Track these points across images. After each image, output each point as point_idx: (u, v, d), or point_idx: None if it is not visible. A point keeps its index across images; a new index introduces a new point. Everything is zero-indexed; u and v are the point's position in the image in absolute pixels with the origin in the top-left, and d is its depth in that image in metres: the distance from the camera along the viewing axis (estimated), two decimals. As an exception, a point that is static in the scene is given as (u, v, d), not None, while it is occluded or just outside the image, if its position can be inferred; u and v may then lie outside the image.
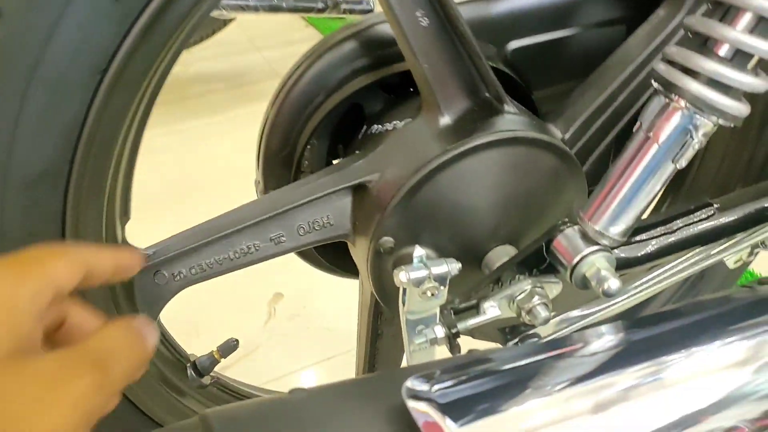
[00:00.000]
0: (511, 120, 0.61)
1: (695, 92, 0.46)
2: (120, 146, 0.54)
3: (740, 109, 0.47)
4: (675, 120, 0.48)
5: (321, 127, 0.71)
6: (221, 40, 2.20)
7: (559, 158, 0.64)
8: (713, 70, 0.46)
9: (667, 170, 0.51)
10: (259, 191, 0.74)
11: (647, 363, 0.46)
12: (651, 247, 0.62)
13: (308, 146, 0.72)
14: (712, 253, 0.70)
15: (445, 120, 0.60)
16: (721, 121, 0.47)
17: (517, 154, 0.61)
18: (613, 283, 0.52)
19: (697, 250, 0.68)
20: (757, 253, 0.75)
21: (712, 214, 0.63)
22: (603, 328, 0.47)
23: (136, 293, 0.62)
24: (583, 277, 0.54)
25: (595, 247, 0.54)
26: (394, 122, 0.66)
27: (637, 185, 0.51)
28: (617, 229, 0.53)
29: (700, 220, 0.63)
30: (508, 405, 0.42)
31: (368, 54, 0.68)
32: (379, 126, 0.67)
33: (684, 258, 0.68)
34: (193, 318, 1.39)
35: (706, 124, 0.48)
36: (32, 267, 0.33)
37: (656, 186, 0.51)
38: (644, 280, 0.69)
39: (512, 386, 0.43)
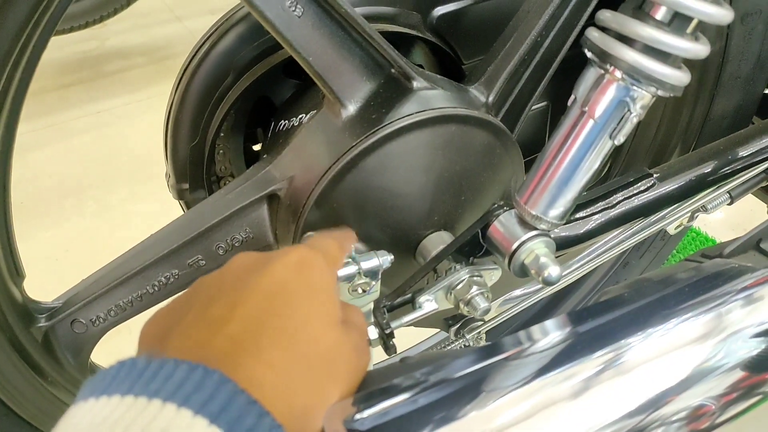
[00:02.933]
0: (423, 97, 0.56)
1: (631, 61, 0.42)
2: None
3: (680, 77, 0.43)
4: (611, 93, 0.44)
5: (232, 116, 0.64)
6: (138, 10, 2.06)
7: (484, 129, 0.59)
8: (650, 37, 0.41)
9: (606, 147, 0.47)
10: (170, 186, 0.67)
11: (602, 352, 0.43)
12: (592, 223, 0.59)
13: (221, 134, 0.66)
14: (653, 221, 0.67)
15: (348, 111, 0.54)
16: (660, 92, 0.44)
17: (433, 135, 0.56)
18: (553, 270, 0.49)
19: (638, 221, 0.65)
20: (697, 216, 0.73)
21: (652, 185, 0.60)
22: (548, 324, 0.43)
23: (56, 345, 0.58)
24: (522, 265, 0.51)
25: (533, 233, 0.50)
26: (300, 116, 0.60)
27: (574, 165, 0.47)
28: (555, 213, 0.50)
29: (641, 192, 0.60)
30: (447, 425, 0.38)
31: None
32: (286, 121, 0.61)
33: (625, 229, 0.66)
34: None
35: (644, 96, 0.44)
36: (338, 261, 0.45)
37: (594, 164, 0.48)
38: (584, 254, 0.66)
39: (454, 401, 0.39)
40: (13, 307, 0.54)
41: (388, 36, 0.58)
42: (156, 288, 0.59)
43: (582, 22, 0.62)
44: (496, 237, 0.52)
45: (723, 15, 0.41)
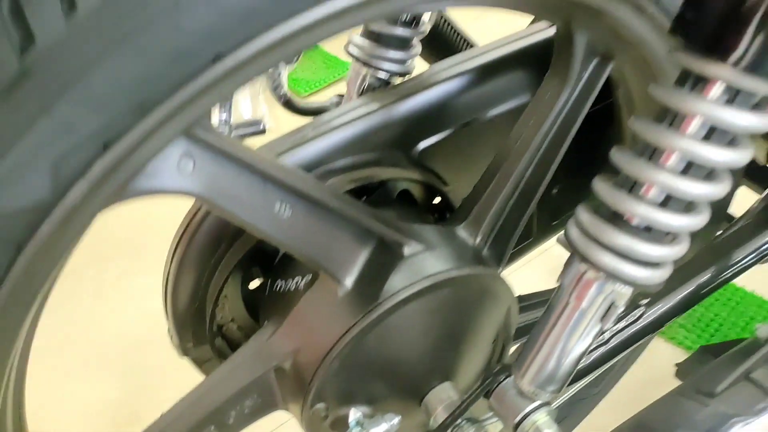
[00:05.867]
0: (415, 264, 0.57)
1: (610, 268, 0.44)
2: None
3: (661, 276, 0.45)
4: (594, 289, 0.46)
5: (231, 279, 0.66)
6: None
7: (476, 281, 0.61)
8: (627, 246, 0.43)
9: (596, 329, 0.48)
10: (175, 345, 0.69)
11: None
12: (587, 361, 0.61)
13: (222, 295, 0.67)
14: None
15: (344, 287, 0.56)
16: (641, 288, 0.45)
17: (429, 300, 0.58)
18: (557, 441, 0.51)
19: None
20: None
21: (642, 314, 0.62)
22: None
23: None
24: (527, 435, 0.52)
25: (534, 405, 0.52)
26: (296, 278, 0.61)
27: (565, 346, 0.49)
28: (553, 387, 0.51)
29: (632, 323, 0.62)
30: None
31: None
32: (282, 282, 0.63)
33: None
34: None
35: (625, 294, 0.45)
36: None
37: (585, 344, 0.49)
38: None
39: None
40: None
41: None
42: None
43: (563, 152, 0.64)
44: (499, 405, 0.54)
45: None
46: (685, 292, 0.65)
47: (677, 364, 0.73)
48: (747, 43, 0.36)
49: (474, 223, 0.64)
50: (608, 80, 0.62)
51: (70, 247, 0.40)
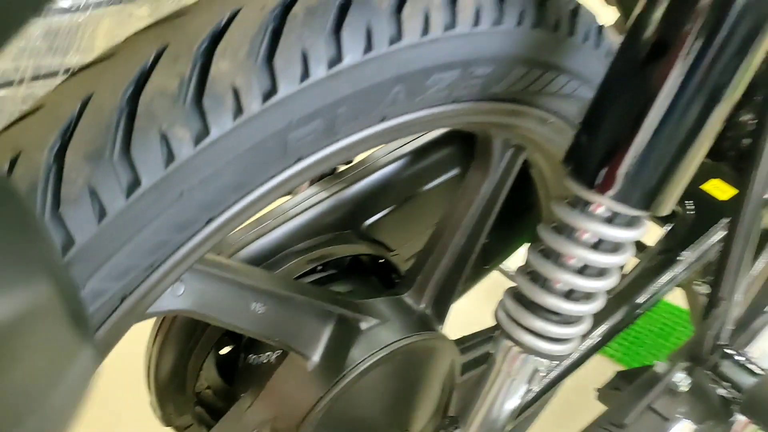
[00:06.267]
0: (372, 336, 0.67)
1: (530, 345, 0.55)
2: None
3: (573, 346, 0.56)
4: (519, 360, 0.57)
5: (209, 356, 0.74)
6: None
7: (425, 344, 0.71)
8: (542, 329, 0.54)
9: (523, 388, 0.60)
10: (158, 417, 0.76)
11: None
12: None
13: (201, 370, 0.75)
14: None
15: (312, 362, 0.65)
16: (556, 359, 0.56)
17: (387, 366, 0.68)
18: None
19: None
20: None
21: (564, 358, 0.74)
22: None
23: None
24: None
25: (478, 453, 0.63)
26: (268, 354, 0.70)
27: (501, 404, 0.60)
28: (492, 437, 0.62)
29: (556, 367, 0.74)
30: None
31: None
32: (255, 356, 0.71)
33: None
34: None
35: (545, 362, 0.57)
36: None
37: (516, 400, 0.60)
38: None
39: None
40: None
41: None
42: None
43: (491, 222, 0.75)
44: (448, 455, 0.64)
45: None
46: (602, 335, 0.78)
47: (598, 389, 0.85)
48: (619, 183, 0.48)
49: (418, 291, 0.75)
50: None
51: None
